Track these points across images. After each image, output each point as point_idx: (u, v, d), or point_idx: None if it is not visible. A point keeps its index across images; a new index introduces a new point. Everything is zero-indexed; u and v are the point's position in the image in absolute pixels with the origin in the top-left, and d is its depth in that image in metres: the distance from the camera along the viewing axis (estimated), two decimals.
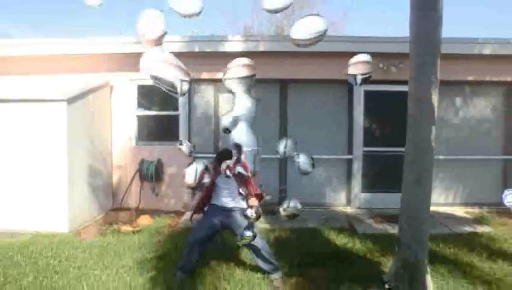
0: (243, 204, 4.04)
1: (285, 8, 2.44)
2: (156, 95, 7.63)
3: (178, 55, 2.68)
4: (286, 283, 4.10)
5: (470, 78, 7.56)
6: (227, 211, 4.07)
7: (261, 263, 4.12)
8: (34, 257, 4.80)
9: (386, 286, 3.87)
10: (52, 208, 5.96)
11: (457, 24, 26.95)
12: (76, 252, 5.00)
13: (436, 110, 3.78)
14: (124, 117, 7.67)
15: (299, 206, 4.34)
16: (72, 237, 5.69)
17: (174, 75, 2.50)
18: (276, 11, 2.45)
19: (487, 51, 7.19)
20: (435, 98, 3.75)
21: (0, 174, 6.03)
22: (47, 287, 3.98)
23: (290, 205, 4.33)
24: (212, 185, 4.12)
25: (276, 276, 4.12)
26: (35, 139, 6.02)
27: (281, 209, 4.40)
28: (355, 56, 3.78)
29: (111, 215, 6.91)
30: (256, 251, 4.06)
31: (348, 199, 7.87)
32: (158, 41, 2.31)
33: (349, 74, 2.47)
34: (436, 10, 3.69)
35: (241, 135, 4.16)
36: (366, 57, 3.85)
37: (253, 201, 3.92)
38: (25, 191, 6.00)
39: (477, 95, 7.91)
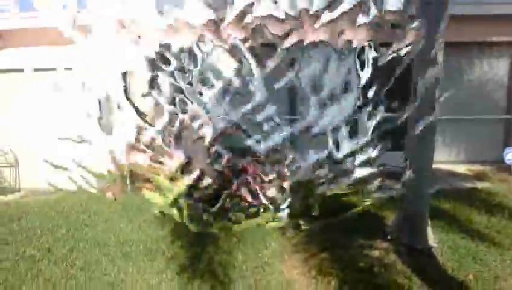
0: None
1: None
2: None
3: None
4: (297, 233, 4.13)
5: (475, 39, 7.20)
6: None
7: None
8: (66, 212, 4.93)
9: (388, 237, 3.87)
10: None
11: None
12: (103, 208, 5.10)
13: (441, 71, 3.62)
14: None
15: None
16: (99, 194, 5.78)
17: None
18: None
19: (493, 11, 6.79)
20: (440, 59, 3.58)
21: (34, 137, 6.10)
22: (78, 238, 4.10)
23: None
24: None
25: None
26: (64, 104, 6.02)
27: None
28: None
29: (135, 174, 6.98)
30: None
31: None
32: None
33: None
34: None
35: None
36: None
37: None
38: (54, 152, 6.08)
39: (482, 57, 7.54)
